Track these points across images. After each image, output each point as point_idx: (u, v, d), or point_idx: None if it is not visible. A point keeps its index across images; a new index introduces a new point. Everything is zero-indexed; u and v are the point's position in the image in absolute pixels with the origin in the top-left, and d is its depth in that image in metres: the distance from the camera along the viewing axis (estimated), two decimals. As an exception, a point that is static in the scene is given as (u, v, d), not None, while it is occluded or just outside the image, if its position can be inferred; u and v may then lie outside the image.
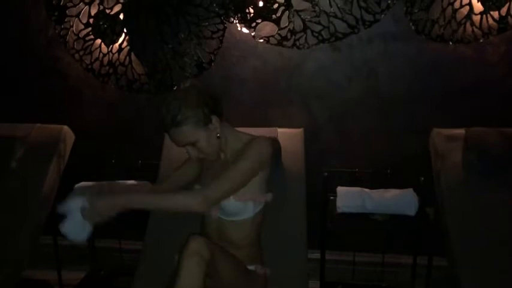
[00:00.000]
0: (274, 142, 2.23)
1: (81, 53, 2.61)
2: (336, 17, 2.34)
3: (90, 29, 2.57)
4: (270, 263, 1.83)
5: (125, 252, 2.69)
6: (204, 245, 1.48)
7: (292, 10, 2.36)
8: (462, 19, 2.28)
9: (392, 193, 2.23)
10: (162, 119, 1.57)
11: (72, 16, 2.56)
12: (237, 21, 2.43)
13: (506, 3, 2.23)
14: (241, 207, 1.68)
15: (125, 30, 2.54)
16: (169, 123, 1.55)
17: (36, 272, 2.59)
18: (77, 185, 2.42)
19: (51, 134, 2.55)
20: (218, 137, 1.64)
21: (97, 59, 2.60)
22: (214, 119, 1.61)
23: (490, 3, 2.23)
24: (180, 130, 1.56)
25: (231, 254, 1.66)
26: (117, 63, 2.59)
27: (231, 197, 1.64)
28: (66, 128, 2.59)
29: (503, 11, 2.24)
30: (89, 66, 2.62)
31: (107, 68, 2.60)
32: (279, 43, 2.42)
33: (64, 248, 2.67)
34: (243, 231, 1.72)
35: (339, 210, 2.22)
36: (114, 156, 2.58)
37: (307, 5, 2.34)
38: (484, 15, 2.26)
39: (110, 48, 2.58)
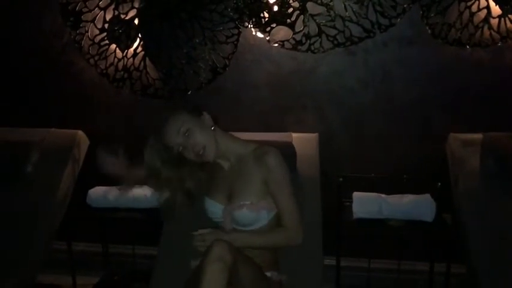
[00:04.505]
0: (289, 147, 2.23)
1: (96, 58, 2.62)
2: (351, 21, 2.33)
3: (105, 34, 2.57)
4: (285, 270, 1.81)
5: (139, 258, 2.68)
6: (227, 250, 1.47)
7: (307, 14, 2.35)
8: (480, 23, 2.26)
9: (409, 198, 2.20)
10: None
11: (87, 21, 2.57)
12: (251, 25, 2.42)
13: (525, 6, 2.20)
14: (255, 217, 1.70)
15: (139, 35, 2.55)
16: (167, 117, 1.75)
17: (50, 277, 2.60)
18: (91, 190, 2.43)
19: (66, 138, 2.57)
20: (213, 130, 1.73)
21: (112, 64, 2.61)
22: (205, 113, 1.76)
23: (508, 6, 2.21)
24: (175, 118, 1.72)
25: (251, 258, 1.65)
26: (132, 68, 2.59)
27: (244, 208, 1.66)
28: (80, 132, 2.60)
29: (522, 14, 2.22)
30: (104, 71, 2.63)
31: (122, 73, 2.61)
32: (294, 47, 2.40)
33: (78, 253, 2.68)
34: None
35: (355, 216, 2.20)
36: (128, 161, 2.57)
37: (322, 9, 2.33)
38: (502, 19, 2.23)
39: (124, 53, 2.59)
